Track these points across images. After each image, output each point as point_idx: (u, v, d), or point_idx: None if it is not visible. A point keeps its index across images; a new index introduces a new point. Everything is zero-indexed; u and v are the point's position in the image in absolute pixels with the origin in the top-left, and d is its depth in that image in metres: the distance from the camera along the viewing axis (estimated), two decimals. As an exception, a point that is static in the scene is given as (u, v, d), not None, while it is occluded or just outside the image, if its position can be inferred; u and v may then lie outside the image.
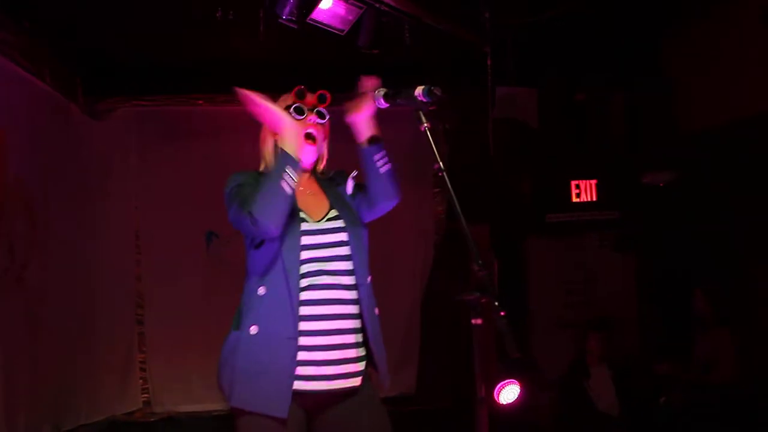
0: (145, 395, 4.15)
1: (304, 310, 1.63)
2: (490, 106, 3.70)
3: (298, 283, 1.62)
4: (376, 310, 1.79)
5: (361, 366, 1.71)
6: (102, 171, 4.06)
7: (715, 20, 3.61)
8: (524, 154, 3.88)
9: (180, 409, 4.13)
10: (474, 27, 3.35)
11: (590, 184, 3.82)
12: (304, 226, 1.68)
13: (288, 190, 1.57)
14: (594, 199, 3.82)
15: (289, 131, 1.62)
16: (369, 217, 1.82)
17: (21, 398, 3.05)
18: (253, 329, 1.63)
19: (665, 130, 4.00)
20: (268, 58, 3.72)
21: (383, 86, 1.68)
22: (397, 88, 1.63)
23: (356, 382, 1.69)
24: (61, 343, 3.53)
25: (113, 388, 4.02)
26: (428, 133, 1.54)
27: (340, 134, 1.82)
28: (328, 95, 1.77)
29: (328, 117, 1.78)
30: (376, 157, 1.71)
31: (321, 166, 1.85)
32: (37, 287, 3.30)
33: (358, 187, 1.83)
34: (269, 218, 1.57)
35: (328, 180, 1.85)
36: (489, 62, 3.58)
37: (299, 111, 1.74)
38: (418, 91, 1.52)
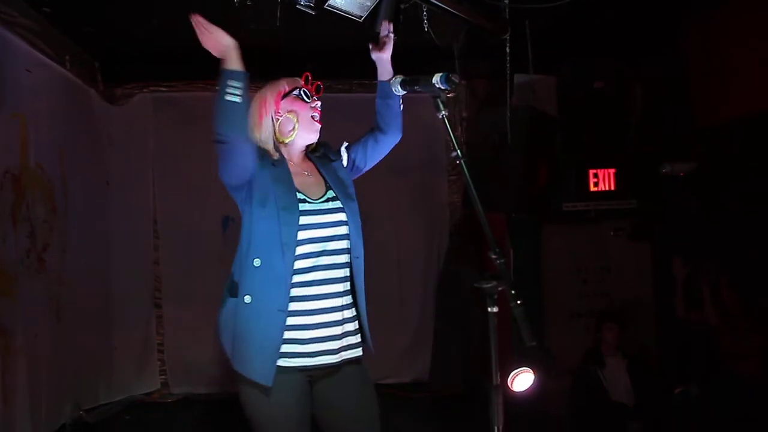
0: (163, 377, 4.23)
1: (301, 291, 1.69)
2: (509, 94, 3.66)
3: (293, 258, 1.68)
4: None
5: (357, 339, 1.80)
6: (120, 156, 4.11)
7: (736, 8, 3.53)
8: (542, 142, 3.84)
9: (197, 390, 4.20)
10: (493, 13, 3.30)
11: (608, 173, 3.77)
12: (303, 207, 1.73)
13: (237, 99, 1.61)
14: (612, 188, 3.77)
15: (232, 50, 1.65)
16: (372, 159, 1.94)
17: (43, 378, 3.12)
18: (247, 298, 1.70)
19: (685, 120, 3.94)
20: (285, 44, 3.71)
21: (401, 73, 1.68)
22: (415, 75, 1.63)
23: (353, 354, 1.78)
24: (81, 325, 3.60)
25: (132, 370, 4.10)
26: (446, 120, 1.53)
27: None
28: (322, 86, 1.88)
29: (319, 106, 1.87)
30: (387, 90, 1.80)
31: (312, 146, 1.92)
32: (58, 270, 3.36)
33: (353, 147, 1.94)
34: (231, 130, 1.62)
35: (319, 157, 1.91)
36: (508, 49, 3.54)
37: (308, 95, 1.84)
38: (436, 78, 1.51)
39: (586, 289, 3.92)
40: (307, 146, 1.90)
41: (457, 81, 1.49)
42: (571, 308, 3.87)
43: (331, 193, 1.81)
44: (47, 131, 3.28)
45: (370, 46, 1.90)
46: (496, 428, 1.41)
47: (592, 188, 3.77)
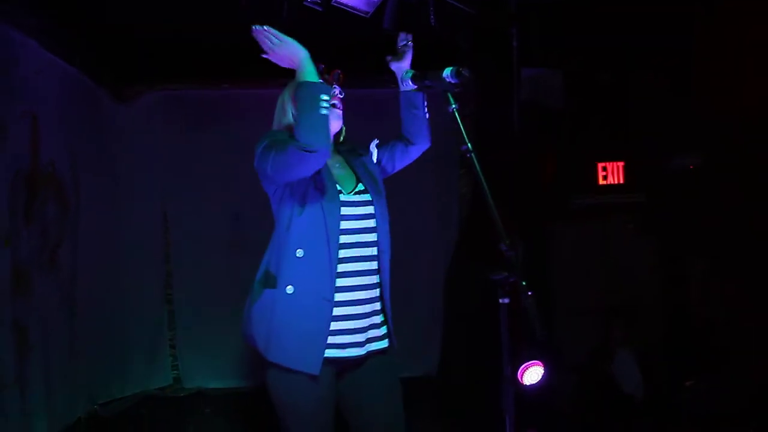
0: (176, 372, 4.27)
1: (340, 281, 1.71)
2: (516, 88, 3.66)
3: (337, 247, 1.69)
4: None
5: (382, 331, 1.82)
6: (131, 154, 4.14)
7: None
8: (550, 136, 3.83)
9: (209, 385, 4.24)
10: (499, 8, 3.30)
11: (617, 167, 3.76)
12: (341, 197, 1.75)
13: (327, 112, 1.61)
14: (621, 181, 3.76)
15: (308, 61, 1.65)
16: (399, 164, 1.98)
17: (58, 373, 3.17)
18: (290, 289, 1.70)
19: (693, 113, 3.92)
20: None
21: (411, 68, 1.69)
22: (424, 70, 1.64)
23: (378, 346, 1.81)
24: (94, 321, 3.64)
25: (145, 365, 4.14)
26: (456, 114, 1.54)
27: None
28: (342, 74, 1.86)
29: (343, 94, 1.87)
30: (416, 100, 1.86)
31: (340, 139, 1.94)
32: (70, 268, 3.39)
33: (382, 148, 1.96)
34: (323, 141, 1.60)
35: (348, 151, 1.93)
36: (514, 43, 3.53)
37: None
38: (446, 72, 1.52)
39: (595, 284, 3.91)
40: (336, 139, 1.90)
41: (467, 74, 1.50)
42: (579, 304, 3.87)
43: (361, 186, 1.82)
44: (58, 130, 3.31)
45: (389, 58, 1.92)
46: (507, 419, 1.42)
47: (601, 182, 3.76)
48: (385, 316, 1.85)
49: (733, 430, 3.12)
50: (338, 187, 1.77)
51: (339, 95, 1.84)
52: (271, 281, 1.76)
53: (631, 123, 3.87)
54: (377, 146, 1.96)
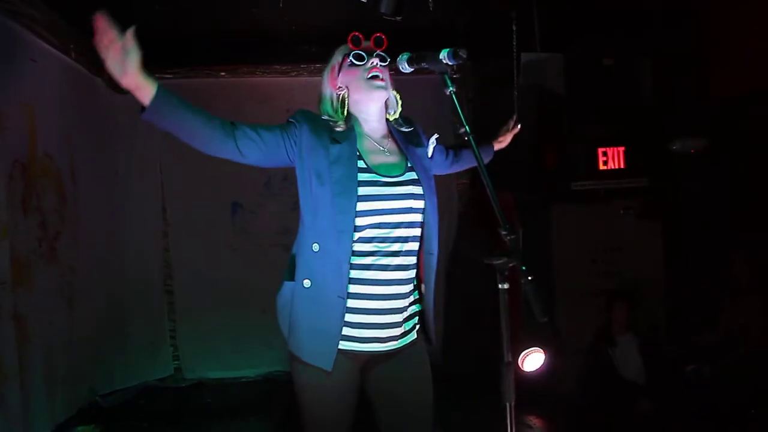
0: (176, 362, 4.28)
1: (360, 274, 1.63)
2: (516, 73, 3.62)
3: (350, 244, 1.60)
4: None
5: (405, 329, 1.72)
6: (128, 143, 4.12)
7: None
8: (550, 121, 3.80)
9: (210, 375, 4.25)
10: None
11: (618, 151, 3.73)
12: (370, 190, 1.63)
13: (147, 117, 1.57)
14: (622, 166, 3.73)
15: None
16: (443, 171, 1.99)
17: (58, 364, 3.17)
18: (307, 282, 1.66)
19: (695, 96, 3.88)
20: (289, 28, 3.69)
21: (407, 51, 1.66)
22: (421, 52, 1.60)
23: (401, 344, 1.71)
24: (94, 312, 3.64)
25: (145, 355, 4.15)
26: (454, 97, 1.51)
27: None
28: (385, 38, 1.71)
29: (389, 60, 1.71)
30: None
31: (393, 115, 1.80)
32: (70, 258, 3.39)
33: (438, 148, 1.89)
34: (188, 140, 1.64)
35: (404, 134, 1.79)
36: (514, 27, 3.50)
37: (358, 57, 1.70)
38: (443, 54, 1.49)
39: (597, 269, 3.90)
40: (387, 115, 1.78)
41: (464, 56, 1.46)
42: (582, 288, 3.86)
43: (411, 175, 1.70)
44: (54, 121, 3.28)
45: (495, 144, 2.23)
46: (508, 405, 1.41)
47: (602, 167, 3.73)
48: (423, 317, 1.76)
49: (734, 416, 3.12)
50: (371, 177, 1.64)
51: (380, 64, 1.68)
52: (291, 273, 1.71)
53: (632, 107, 3.83)
54: (437, 139, 1.82)
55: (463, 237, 4.28)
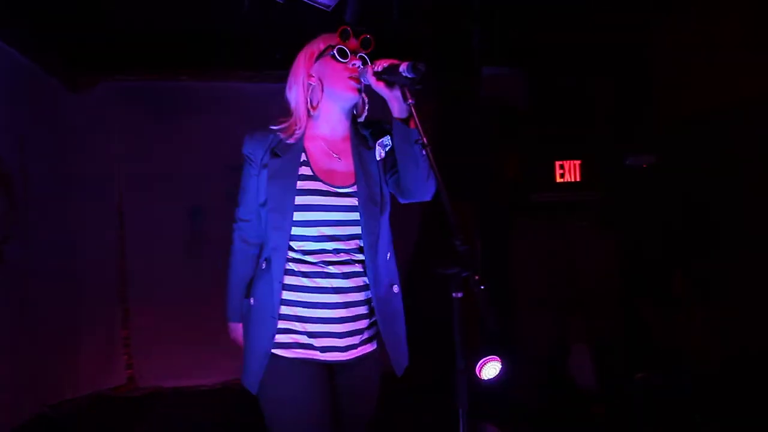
0: (130, 371, 4.16)
1: (298, 281, 1.61)
2: (477, 87, 3.69)
3: (283, 264, 1.58)
4: (395, 288, 1.77)
5: (357, 339, 1.68)
6: (83, 146, 4.01)
7: (700, 5, 3.64)
8: (511, 134, 3.89)
9: (165, 384, 4.15)
10: (462, 5, 3.32)
11: (574, 165, 3.85)
12: (314, 199, 1.59)
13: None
14: (578, 179, 3.85)
15: None
16: (400, 200, 1.74)
17: (4, 373, 3.05)
18: (252, 300, 1.67)
19: (650, 114, 4.04)
20: (252, 33, 3.66)
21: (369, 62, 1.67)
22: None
23: (355, 353, 1.69)
24: (45, 319, 3.52)
25: (97, 364, 4.02)
26: (413, 109, 1.54)
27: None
28: (373, 39, 1.66)
29: (370, 64, 1.62)
30: (414, 136, 1.53)
31: (362, 115, 1.75)
32: (19, 265, 3.27)
33: (389, 158, 1.68)
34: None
35: (362, 137, 1.70)
36: (476, 42, 3.56)
37: (342, 53, 1.64)
38: (403, 66, 1.51)
39: (553, 279, 3.99)
40: (354, 118, 1.71)
41: (423, 69, 1.48)
42: (539, 297, 3.94)
43: (355, 185, 1.63)
44: (4, 121, 3.18)
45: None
46: (461, 412, 1.43)
47: (558, 179, 3.83)
48: (372, 320, 1.72)
49: (679, 419, 3.24)
50: (316, 185, 1.59)
51: (360, 67, 1.62)
52: (248, 289, 1.72)
53: (589, 123, 3.96)
54: (384, 147, 1.67)
55: (422, 248, 4.31)
